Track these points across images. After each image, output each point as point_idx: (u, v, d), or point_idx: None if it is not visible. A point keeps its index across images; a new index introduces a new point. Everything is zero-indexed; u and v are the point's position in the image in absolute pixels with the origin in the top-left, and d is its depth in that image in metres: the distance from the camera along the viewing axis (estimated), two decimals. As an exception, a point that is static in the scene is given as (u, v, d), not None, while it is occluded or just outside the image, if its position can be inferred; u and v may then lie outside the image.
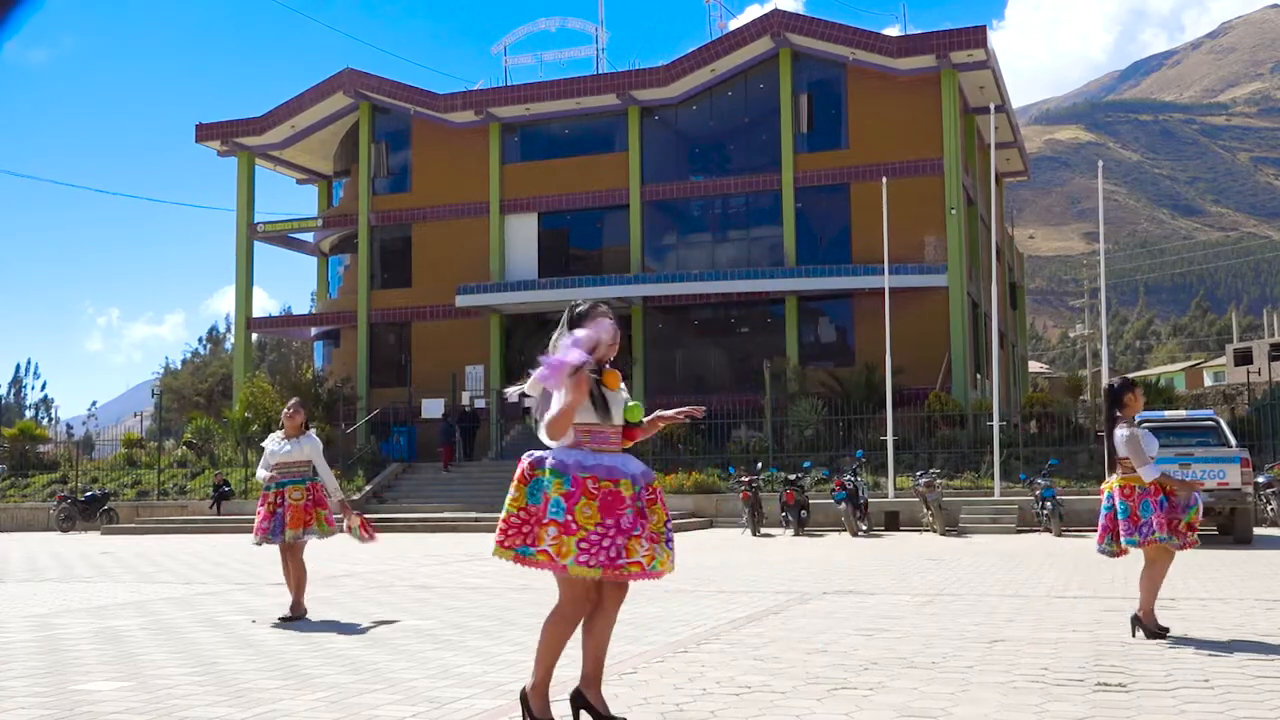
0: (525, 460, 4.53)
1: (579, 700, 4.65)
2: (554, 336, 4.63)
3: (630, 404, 4.65)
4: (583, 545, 4.30)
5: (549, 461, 4.45)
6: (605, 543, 4.31)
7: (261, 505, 9.16)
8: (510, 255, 35.14)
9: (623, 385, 4.67)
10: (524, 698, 4.60)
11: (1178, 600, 9.04)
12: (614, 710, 4.75)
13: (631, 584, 4.61)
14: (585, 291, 32.54)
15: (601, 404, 4.54)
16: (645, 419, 4.72)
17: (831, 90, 32.92)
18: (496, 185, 35.12)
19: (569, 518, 4.32)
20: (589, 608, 4.56)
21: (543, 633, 4.58)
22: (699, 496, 25.20)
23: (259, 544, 9.20)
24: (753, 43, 32.90)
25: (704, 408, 4.88)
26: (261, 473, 9.27)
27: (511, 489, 4.49)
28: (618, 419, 4.60)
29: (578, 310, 4.71)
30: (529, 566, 4.42)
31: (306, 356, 46.73)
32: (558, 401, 4.39)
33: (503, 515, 4.48)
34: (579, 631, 4.60)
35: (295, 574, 8.97)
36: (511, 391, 4.64)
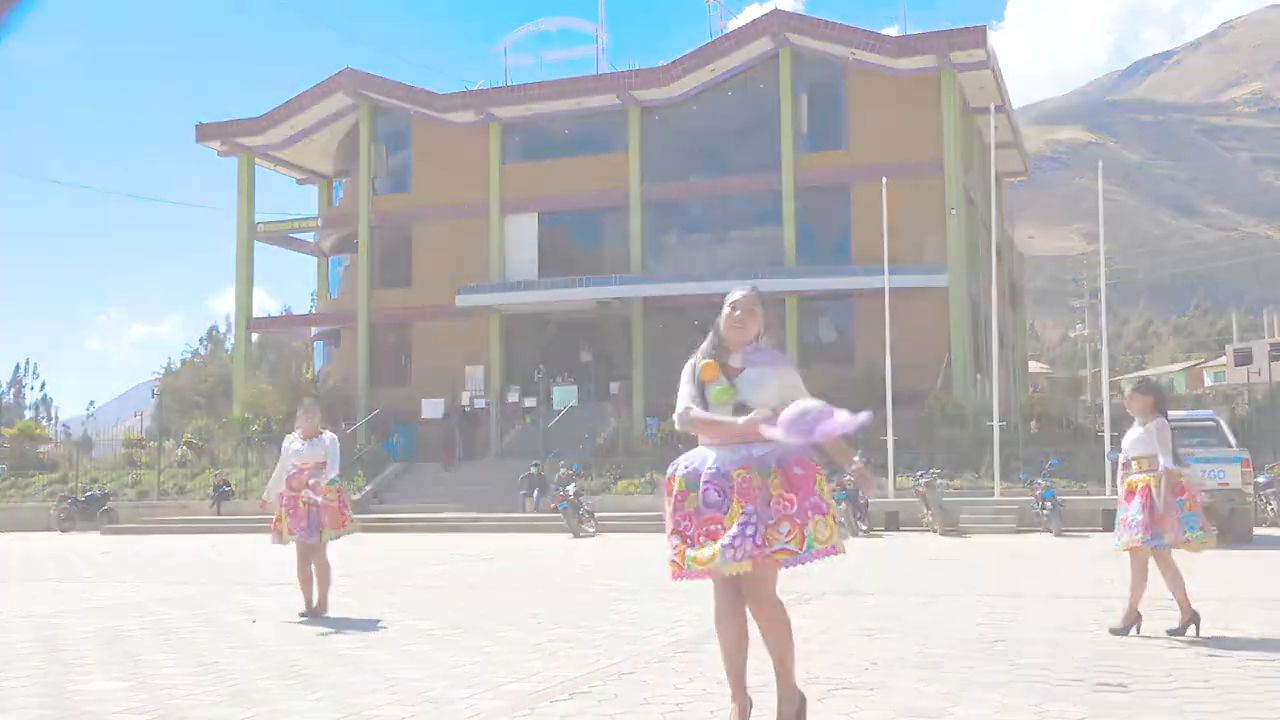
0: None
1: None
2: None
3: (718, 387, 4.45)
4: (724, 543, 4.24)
5: (680, 470, 4.45)
6: (749, 530, 4.24)
7: (288, 507, 8.98)
8: (510, 255, 35.13)
9: (722, 375, 4.50)
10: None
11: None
12: (614, 709, 4.70)
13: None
14: (585, 292, 32.60)
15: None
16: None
17: (831, 90, 32.90)
18: (496, 185, 35.11)
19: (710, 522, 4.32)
20: (738, 604, 4.43)
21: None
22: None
23: (283, 542, 9.08)
24: (752, 43, 32.89)
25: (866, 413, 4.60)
26: (276, 486, 9.13)
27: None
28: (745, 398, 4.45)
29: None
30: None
31: (306, 357, 46.67)
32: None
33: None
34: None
35: (320, 572, 8.99)
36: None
